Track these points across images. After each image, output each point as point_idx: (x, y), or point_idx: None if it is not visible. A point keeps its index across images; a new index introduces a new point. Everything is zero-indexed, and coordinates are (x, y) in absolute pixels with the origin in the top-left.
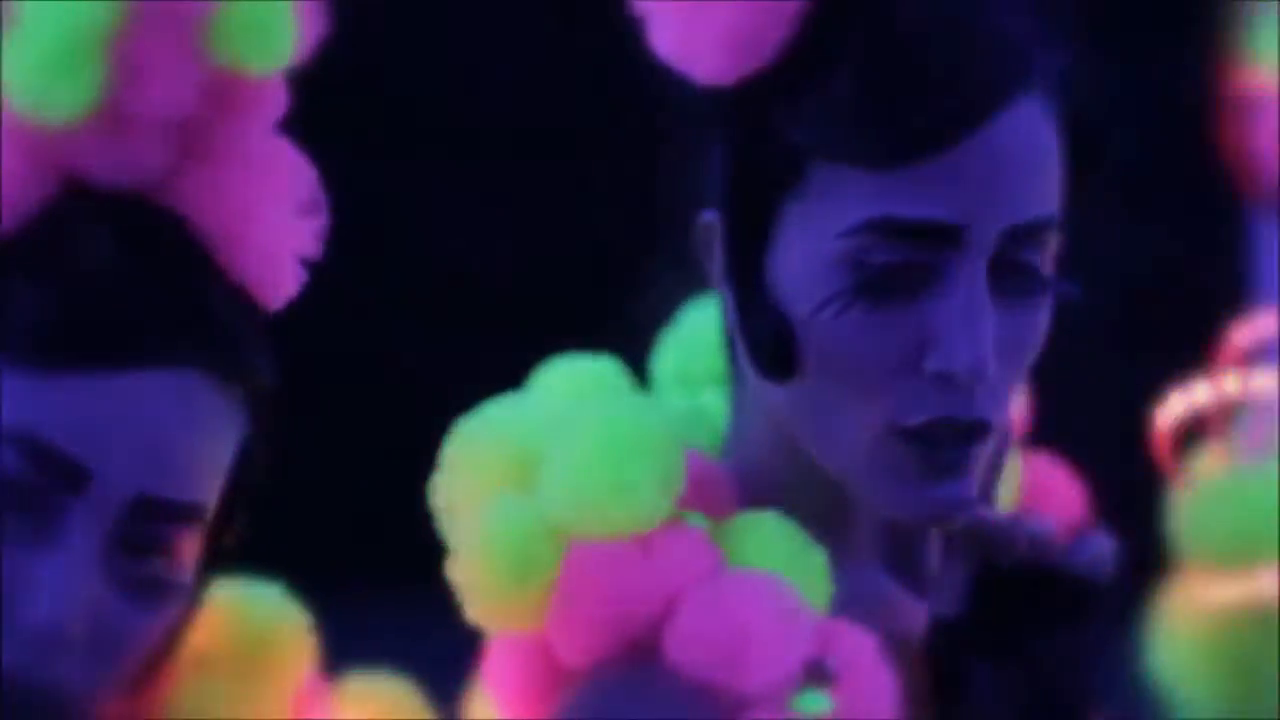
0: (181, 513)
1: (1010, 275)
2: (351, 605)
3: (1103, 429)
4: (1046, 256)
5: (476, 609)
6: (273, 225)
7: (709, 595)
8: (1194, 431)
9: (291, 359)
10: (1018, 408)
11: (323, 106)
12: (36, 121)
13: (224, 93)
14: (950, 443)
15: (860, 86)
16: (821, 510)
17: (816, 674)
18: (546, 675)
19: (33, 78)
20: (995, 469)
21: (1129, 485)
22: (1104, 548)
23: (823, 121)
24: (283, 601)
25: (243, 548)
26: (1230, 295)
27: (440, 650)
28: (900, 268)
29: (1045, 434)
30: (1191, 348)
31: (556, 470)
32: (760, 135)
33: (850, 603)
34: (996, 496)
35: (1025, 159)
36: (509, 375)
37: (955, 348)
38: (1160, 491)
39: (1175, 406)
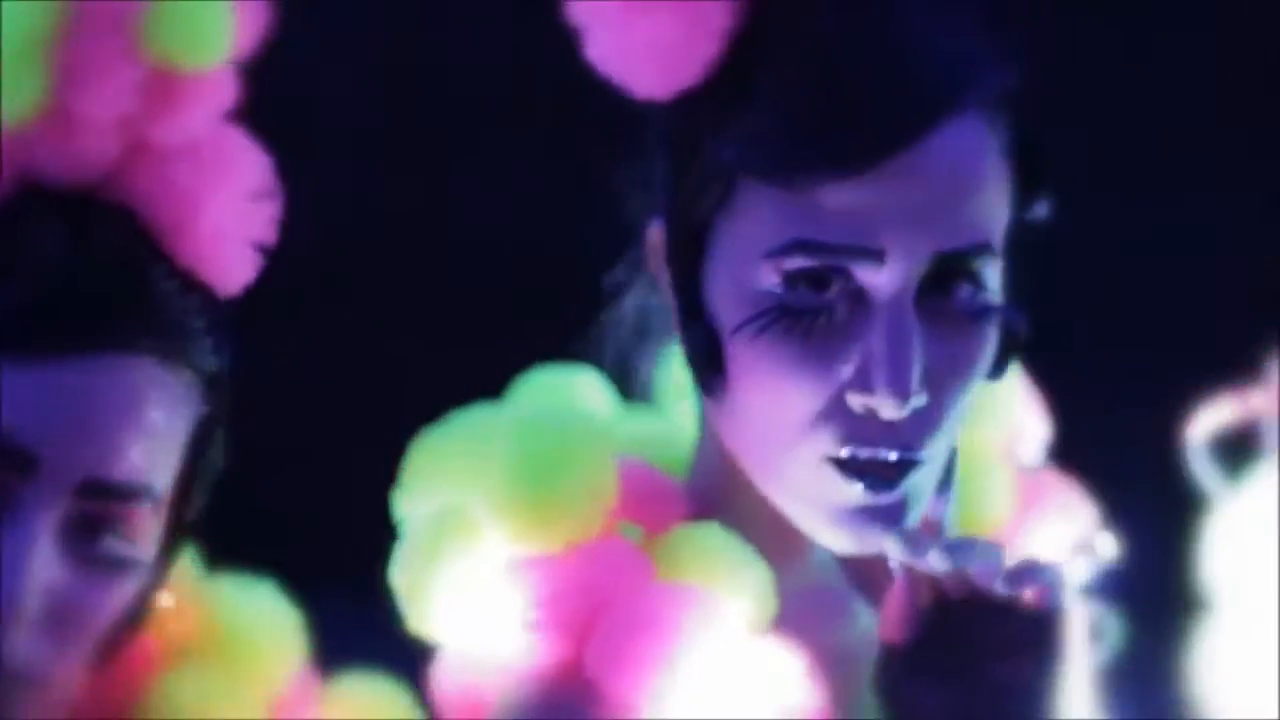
0: (130, 493)
1: (943, 304)
2: (344, 605)
3: (1132, 444)
4: (985, 284)
5: (411, 621)
6: (222, 213)
7: (626, 609)
8: (1234, 448)
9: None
10: (1036, 426)
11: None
12: None
13: (165, 89)
14: (879, 475)
15: (782, 106)
16: (773, 527)
17: (736, 682)
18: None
19: None
20: (944, 493)
21: (1159, 507)
22: (1052, 576)
23: (747, 140)
24: (273, 598)
25: (241, 544)
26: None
27: (430, 652)
28: (822, 293)
29: (1069, 451)
30: (1226, 358)
31: (483, 484)
32: (694, 150)
33: (801, 616)
34: (944, 521)
35: (955, 185)
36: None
37: (876, 381)
38: (1193, 513)
39: (1206, 422)
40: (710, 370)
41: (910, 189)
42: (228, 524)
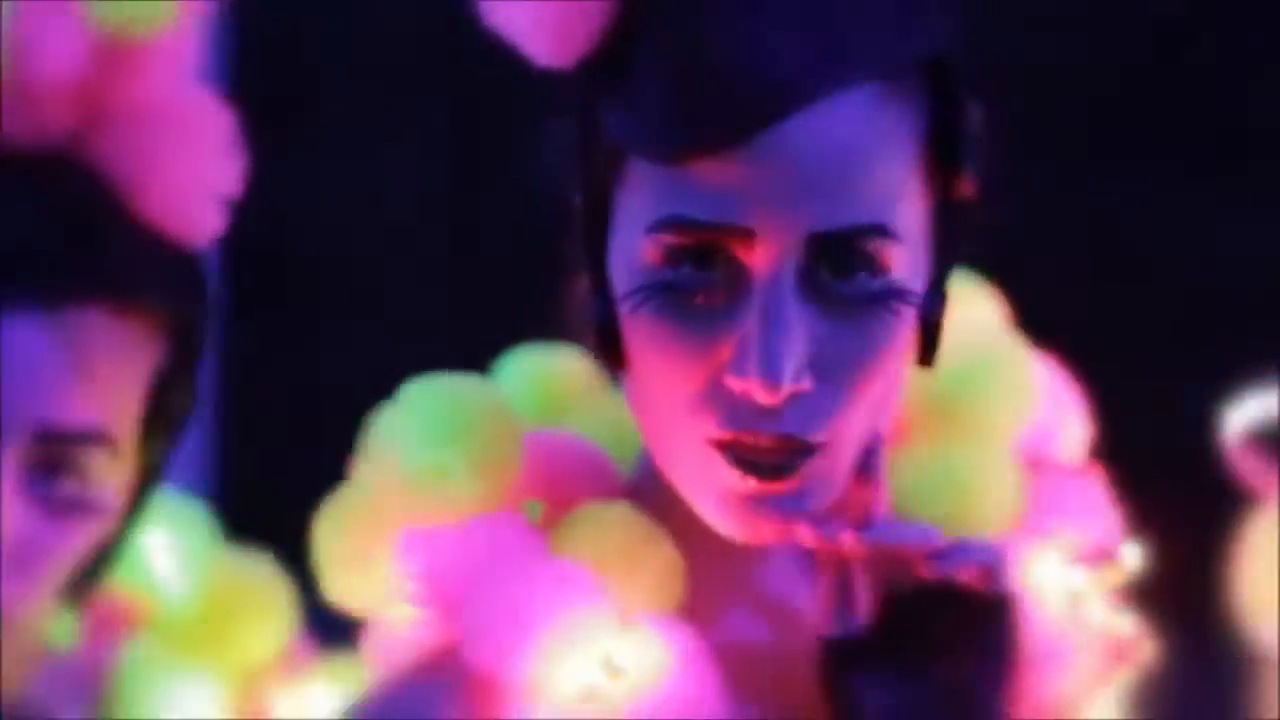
0: (85, 438)
1: (837, 287)
2: None
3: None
4: (882, 267)
5: (327, 590)
6: (183, 170)
7: (502, 588)
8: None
9: None
10: (1073, 425)
11: None
12: None
13: (117, 55)
14: (766, 460)
15: (655, 79)
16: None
17: (605, 667)
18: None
19: None
20: (866, 482)
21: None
22: (988, 558)
23: (628, 114)
24: (270, 571)
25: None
26: None
27: None
28: (704, 271)
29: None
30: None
31: (387, 455)
32: (593, 123)
33: (738, 624)
34: (871, 512)
35: (835, 163)
36: None
37: (748, 365)
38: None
39: (1239, 419)
40: (606, 346)
41: (783, 166)
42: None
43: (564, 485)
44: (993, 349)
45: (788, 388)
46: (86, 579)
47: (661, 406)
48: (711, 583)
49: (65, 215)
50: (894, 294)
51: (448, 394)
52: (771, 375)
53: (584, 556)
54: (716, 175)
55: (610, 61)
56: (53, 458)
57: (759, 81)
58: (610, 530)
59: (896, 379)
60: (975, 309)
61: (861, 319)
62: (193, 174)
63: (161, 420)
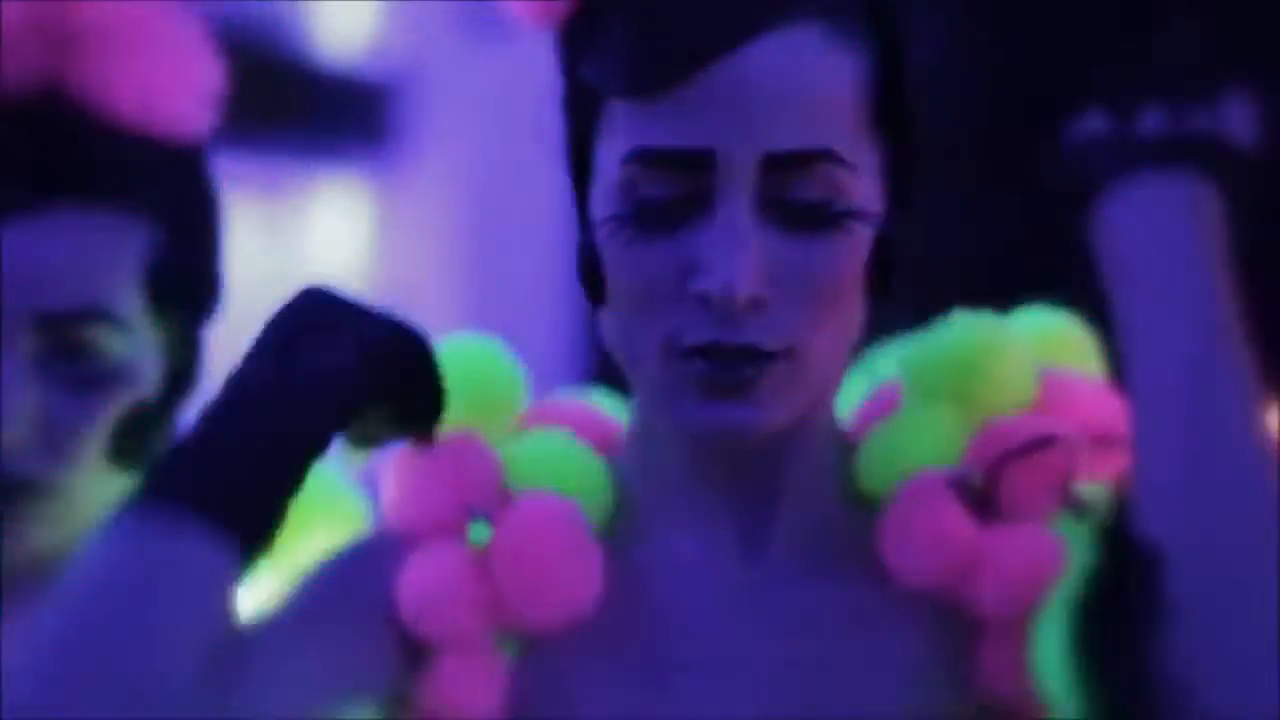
0: (85, 316)
1: (786, 206)
2: None
3: None
4: (834, 188)
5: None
6: (150, 76)
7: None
8: None
9: None
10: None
11: None
12: None
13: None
14: (726, 364)
15: (624, 25)
16: (666, 459)
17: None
18: None
19: None
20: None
21: None
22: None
23: (600, 58)
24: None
25: None
26: None
27: None
28: (666, 195)
29: None
30: None
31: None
32: (574, 76)
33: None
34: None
35: (784, 88)
36: None
37: (711, 271)
38: None
39: None
40: (590, 279)
41: (732, 91)
42: None
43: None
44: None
45: (745, 294)
46: (131, 445)
47: (633, 326)
48: (687, 518)
49: (46, 135)
50: (847, 214)
51: (470, 345)
52: (728, 280)
53: (531, 476)
54: (677, 106)
55: (585, 18)
56: (64, 340)
57: (710, 17)
58: (551, 448)
59: (854, 300)
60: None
61: (817, 237)
62: (160, 78)
63: (172, 299)
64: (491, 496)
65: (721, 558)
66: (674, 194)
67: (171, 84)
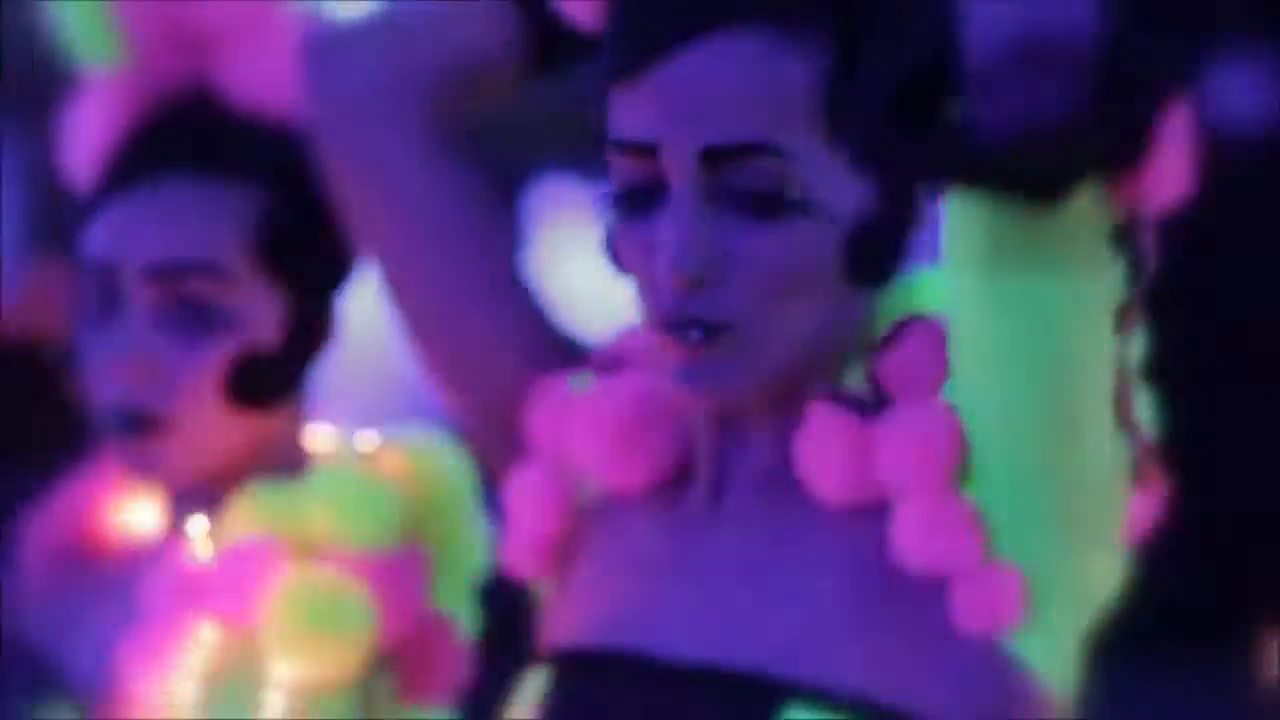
0: (193, 269)
1: (735, 194)
2: None
3: None
4: (781, 180)
5: None
6: (265, 65)
7: None
8: None
9: None
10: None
11: None
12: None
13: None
14: (680, 334)
15: (609, 22)
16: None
17: None
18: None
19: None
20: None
21: None
22: None
23: (600, 54)
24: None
25: None
26: None
27: None
28: (636, 181)
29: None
30: None
31: None
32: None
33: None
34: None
35: (726, 86)
36: None
37: (660, 253)
38: None
39: None
40: (610, 254)
41: (675, 88)
42: None
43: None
44: None
45: (685, 274)
46: (246, 390)
47: (636, 296)
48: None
49: (171, 117)
50: (793, 206)
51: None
52: (675, 265)
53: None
54: (635, 99)
55: (604, 15)
56: (177, 291)
57: (664, 17)
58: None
59: (818, 285)
60: None
61: (765, 225)
62: (279, 68)
63: (283, 260)
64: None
65: (698, 485)
66: (641, 180)
67: (281, 73)
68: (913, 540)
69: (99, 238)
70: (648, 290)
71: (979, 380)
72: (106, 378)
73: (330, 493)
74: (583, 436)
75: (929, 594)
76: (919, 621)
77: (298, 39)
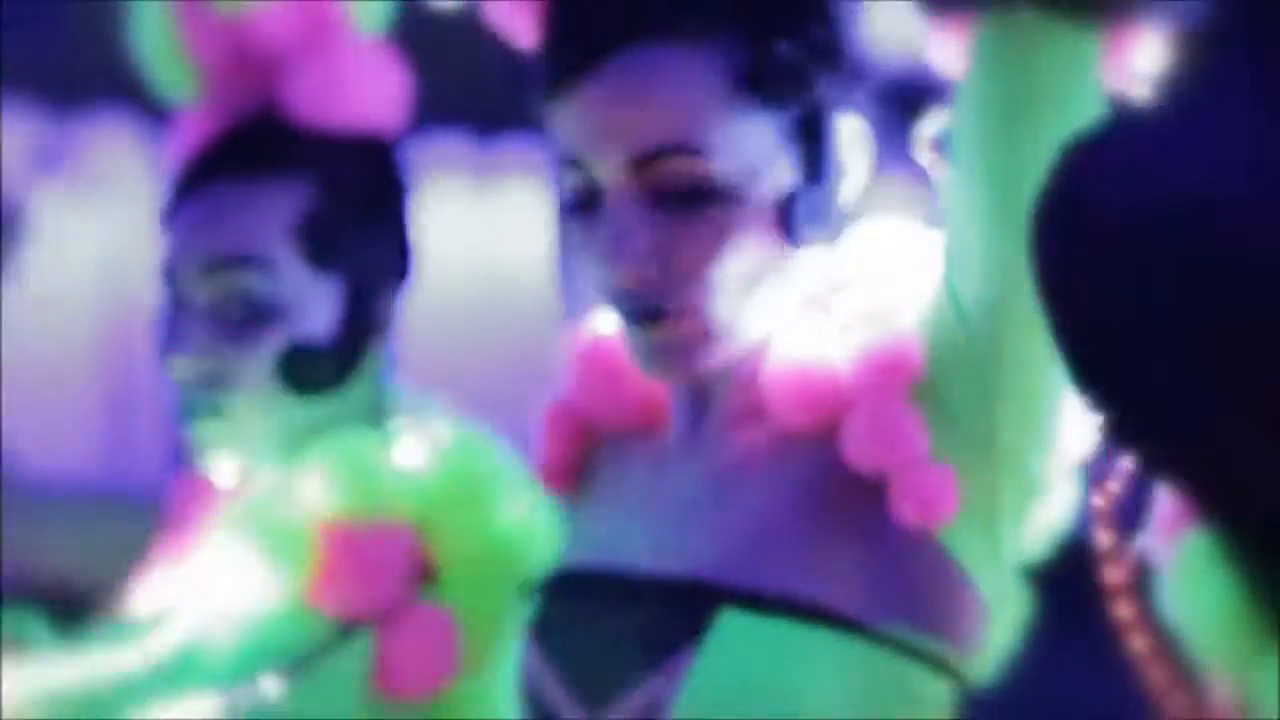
0: (242, 262)
1: (665, 193)
2: None
3: None
4: (702, 175)
5: None
6: (341, 87)
7: None
8: None
9: None
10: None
11: None
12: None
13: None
14: (642, 326)
15: (541, 40)
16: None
17: None
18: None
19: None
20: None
21: None
22: None
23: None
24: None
25: None
26: None
27: None
28: (577, 191)
29: None
30: None
31: None
32: None
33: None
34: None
35: (642, 99)
36: None
37: (605, 259)
38: None
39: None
40: None
41: (601, 108)
42: None
43: None
44: None
45: (631, 272)
46: (296, 377)
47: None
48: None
49: (229, 131)
50: (719, 195)
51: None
52: (613, 263)
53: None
54: (565, 117)
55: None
56: (223, 283)
57: (576, 40)
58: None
59: (755, 255)
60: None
61: (690, 215)
62: (338, 85)
63: (329, 251)
64: None
65: (675, 427)
66: (582, 187)
67: (350, 89)
68: (859, 437)
69: (163, 248)
70: (602, 287)
71: (972, 257)
72: (180, 370)
73: (332, 461)
74: (588, 382)
75: (874, 506)
76: (862, 531)
77: (368, 56)
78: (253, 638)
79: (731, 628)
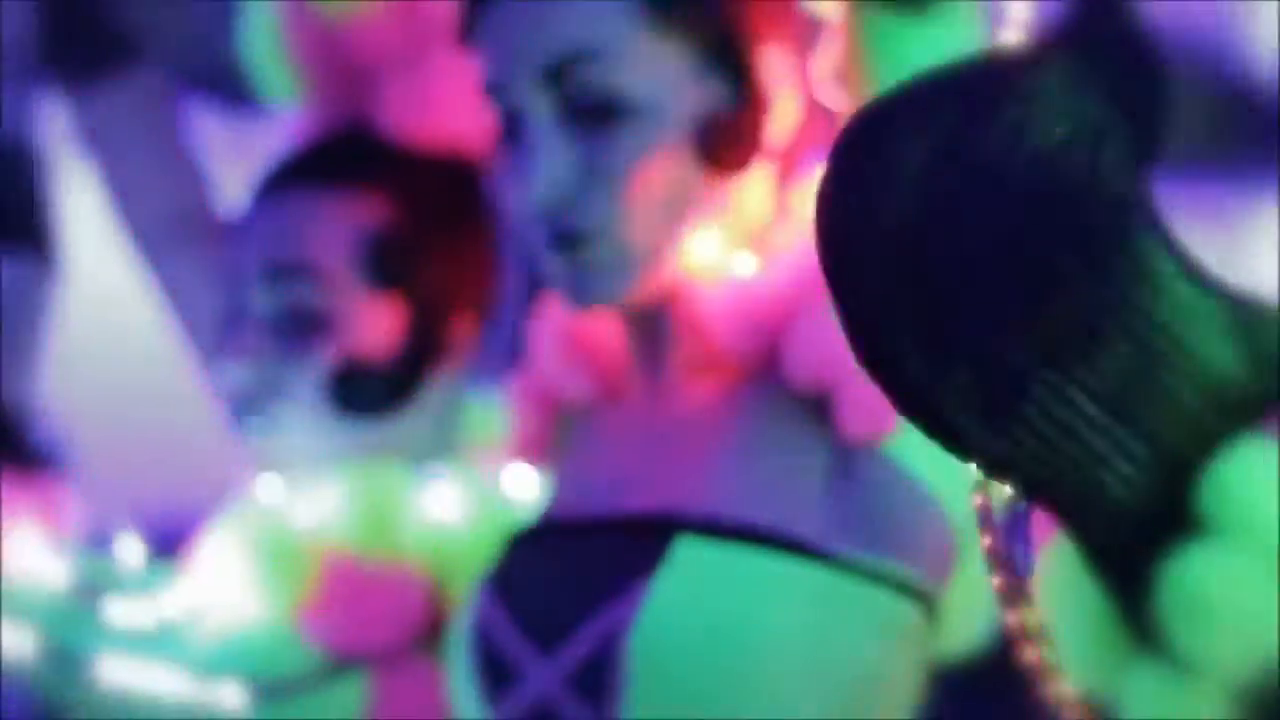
0: (293, 270)
1: (578, 108)
2: None
3: None
4: (613, 89)
5: None
6: (429, 107)
7: None
8: None
9: None
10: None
11: None
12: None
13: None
14: (561, 250)
15: None
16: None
17: None
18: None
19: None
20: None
21: None
22: None
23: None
24: None
25: None
26: None
27: None
28: (503, 121)
29: None
30: None
31: None
32: None
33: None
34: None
35: (537, 13)
36: None
37: (526, 184)
38: None
39: None
40: None
41: (503, 30)
42: None
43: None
44: None
45: (546, 197)
46: (351, 397)
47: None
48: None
49: (333, 139)
50: (631, 112)
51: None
52: (532, 188)
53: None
54: (479, 52)
55: None
56: (281, 290)
57: None
58: None
59: (672, 177)
60: None
61: (603, 128)
62: (426, 104)
63: (393, 269)
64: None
65: (635, 388)
66: (504, 118)
67: (442, 107)
68: (800, 352)
69: (229, 253)
70: (524, 213)
71: None
72: (229, 377)
73: (356, 490)
74: (555, 357)
75: (828, 437)
76: (819, 462)
77: (453, 73)
78: (229, 642)
79: (689, 556)
